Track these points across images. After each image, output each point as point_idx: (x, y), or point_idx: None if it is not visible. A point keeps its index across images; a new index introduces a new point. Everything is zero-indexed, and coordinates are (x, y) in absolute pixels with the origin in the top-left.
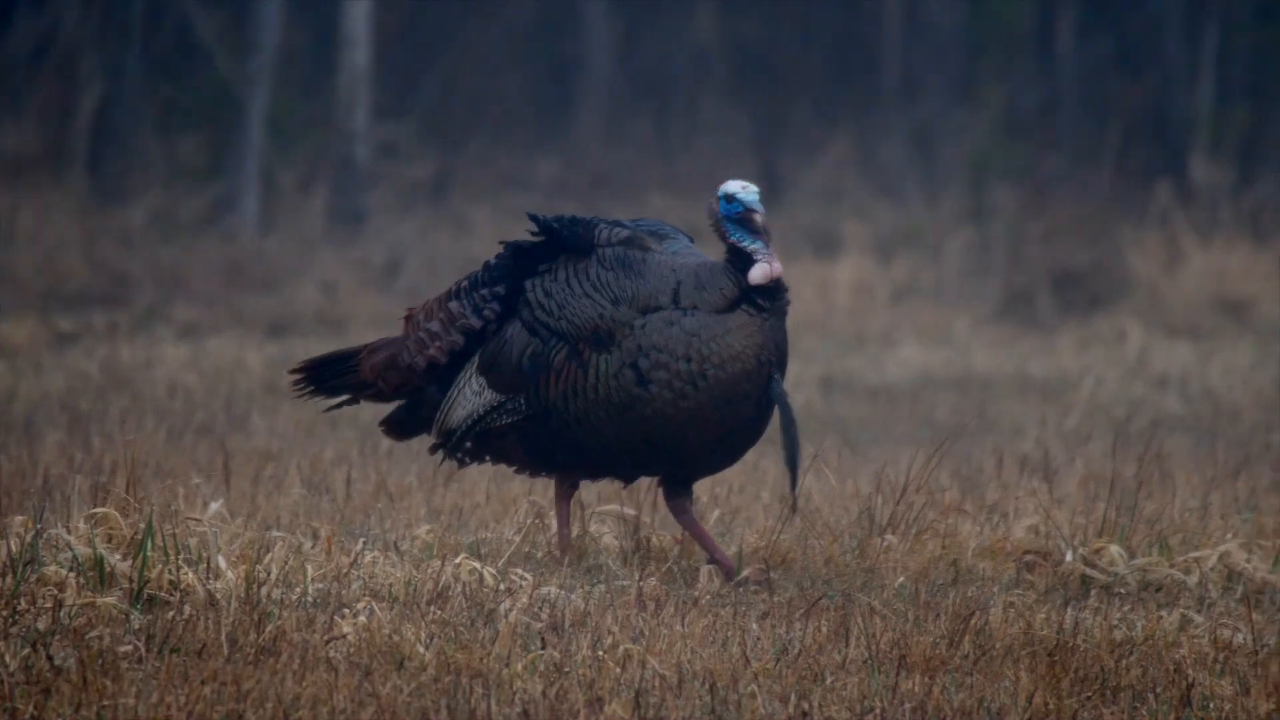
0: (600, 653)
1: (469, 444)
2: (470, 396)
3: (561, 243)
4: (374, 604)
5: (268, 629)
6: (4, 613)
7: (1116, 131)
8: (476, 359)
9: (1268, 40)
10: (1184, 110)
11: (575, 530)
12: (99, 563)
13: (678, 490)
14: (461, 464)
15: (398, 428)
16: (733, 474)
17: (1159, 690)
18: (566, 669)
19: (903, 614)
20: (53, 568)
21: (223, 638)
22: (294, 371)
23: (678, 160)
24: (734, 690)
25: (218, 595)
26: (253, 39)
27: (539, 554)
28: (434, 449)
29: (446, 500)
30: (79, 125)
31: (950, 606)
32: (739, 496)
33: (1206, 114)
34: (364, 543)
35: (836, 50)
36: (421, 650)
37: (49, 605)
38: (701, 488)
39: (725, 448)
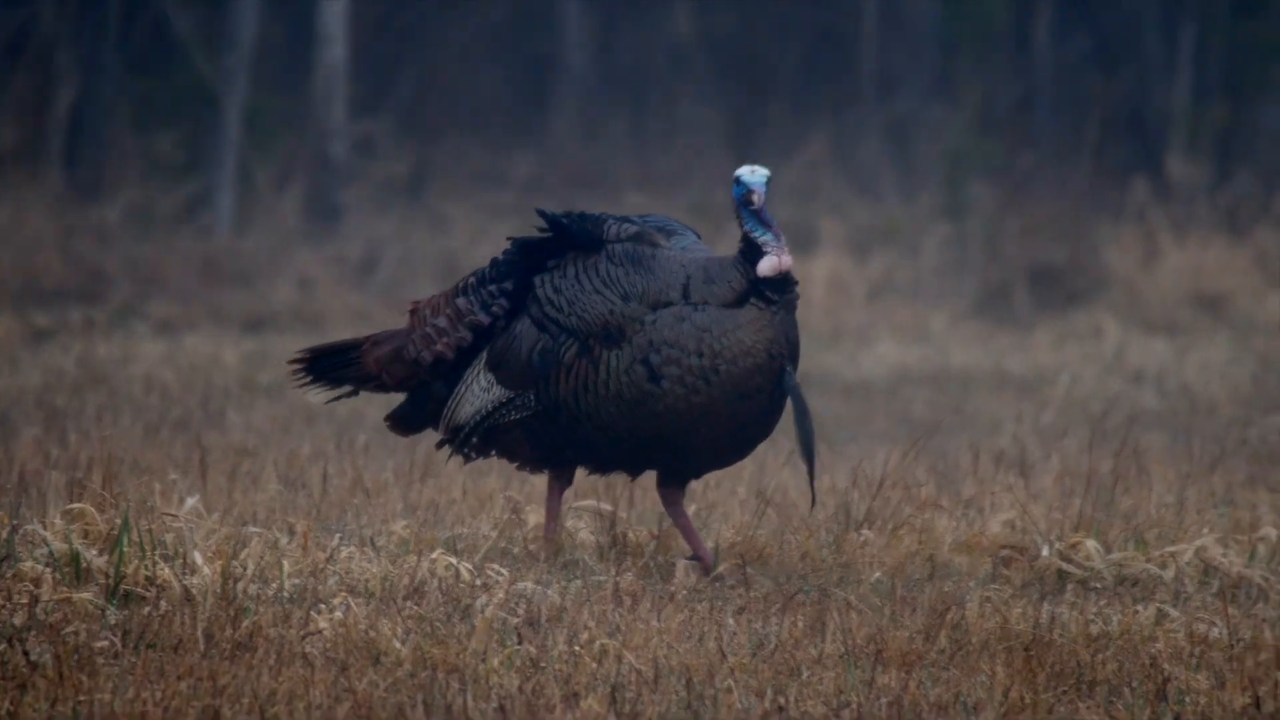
0: (576, 648)
1: (477, 440)
2: (478, 392)
3: (570, 239)
4: (350, 599)
5: (244, 624)
6: None
7: (1093, 128)
8: (484, 355)
9: (1244, 37)
10: (1161, 107)
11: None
12: (75, 558)
13: (674, 483)
14: (468, 459)
15: (403, 423)
16: None
17: (1135, 684)
18: (543, 664)
19: (879, 609)
20: (29, 563)
21: (199, 633)
22: (294, 361)
23: (654, 157)
24: (710, 685)
25: (194, 591)
26: (229, 35)
27: (515, 549)
28: (441, 444)
29: (423, 496)
30: (55, 121)
31: (926, 601)
32: (715, 492)
33: (1183, 110)
34: (340, 538)
35: (813, 47)
36: (398, 645)
37: (25, 601)
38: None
39: (737, 442)
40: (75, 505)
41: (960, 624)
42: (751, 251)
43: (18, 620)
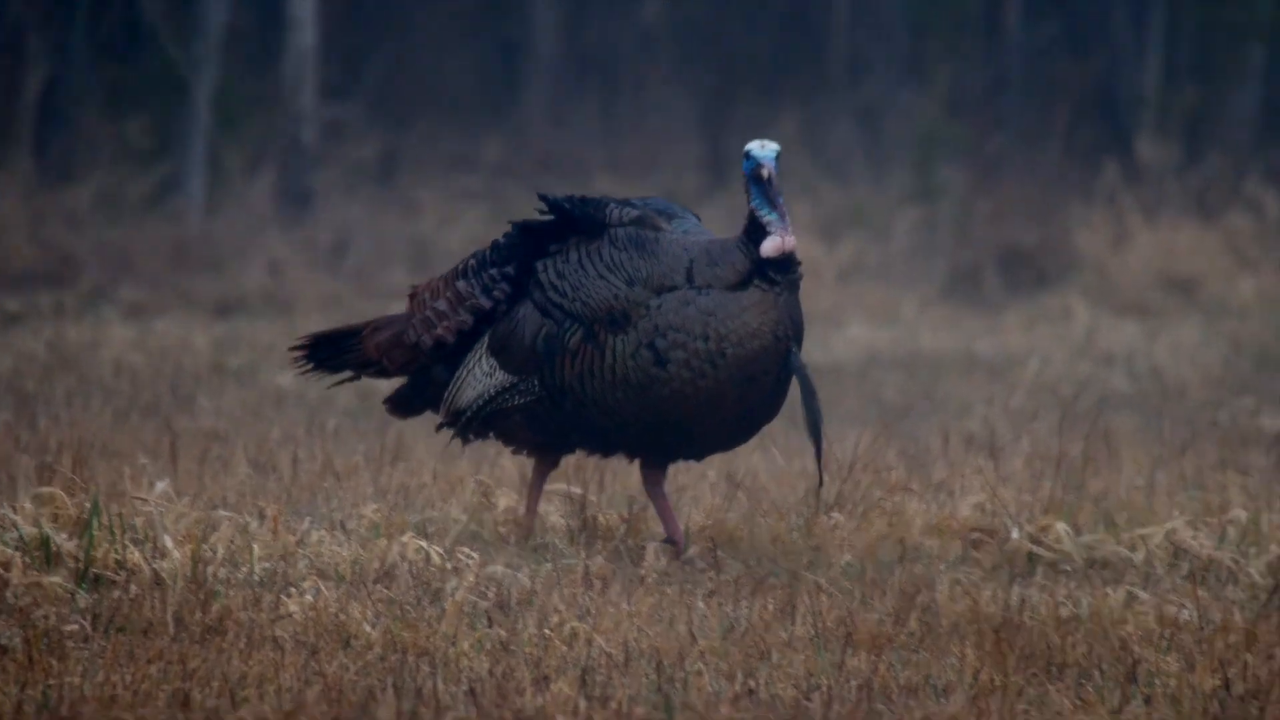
0: (547, 631)
1: (478, 424)
2: (481, 377)
3: (573, 223)
4: (320, 583)
5: (214, 608)
6: None
7: (1063, 111)
8: (486, 339)
9: (1214, 19)
10: (1131, 89)
11: (520, 509)
12: (45, 542)
13: (658, 464)
14: (467, 442)
15: (402, 406)
16: None
17: (1105, 667)
18: (513, 647)
19: (849, 592)
20: None
21: (169, 617)
22: (294, 348)
23: (624, 141)
24: (680, 668)
25: (164, 575)
26: (199, 20)
27: (485, 533)
28: (441, 428)
29: (393, 479)
30: (25, 106)
31: (896, 584)
32: (685, 475)
33: (1153, 93)
34: (310, 522)
35: (783, 31)
36: (368, 629)
37: None
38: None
39: (744, 425)
40: (45, 489)
41: (930, 607)
42: (755, 231)
43: None
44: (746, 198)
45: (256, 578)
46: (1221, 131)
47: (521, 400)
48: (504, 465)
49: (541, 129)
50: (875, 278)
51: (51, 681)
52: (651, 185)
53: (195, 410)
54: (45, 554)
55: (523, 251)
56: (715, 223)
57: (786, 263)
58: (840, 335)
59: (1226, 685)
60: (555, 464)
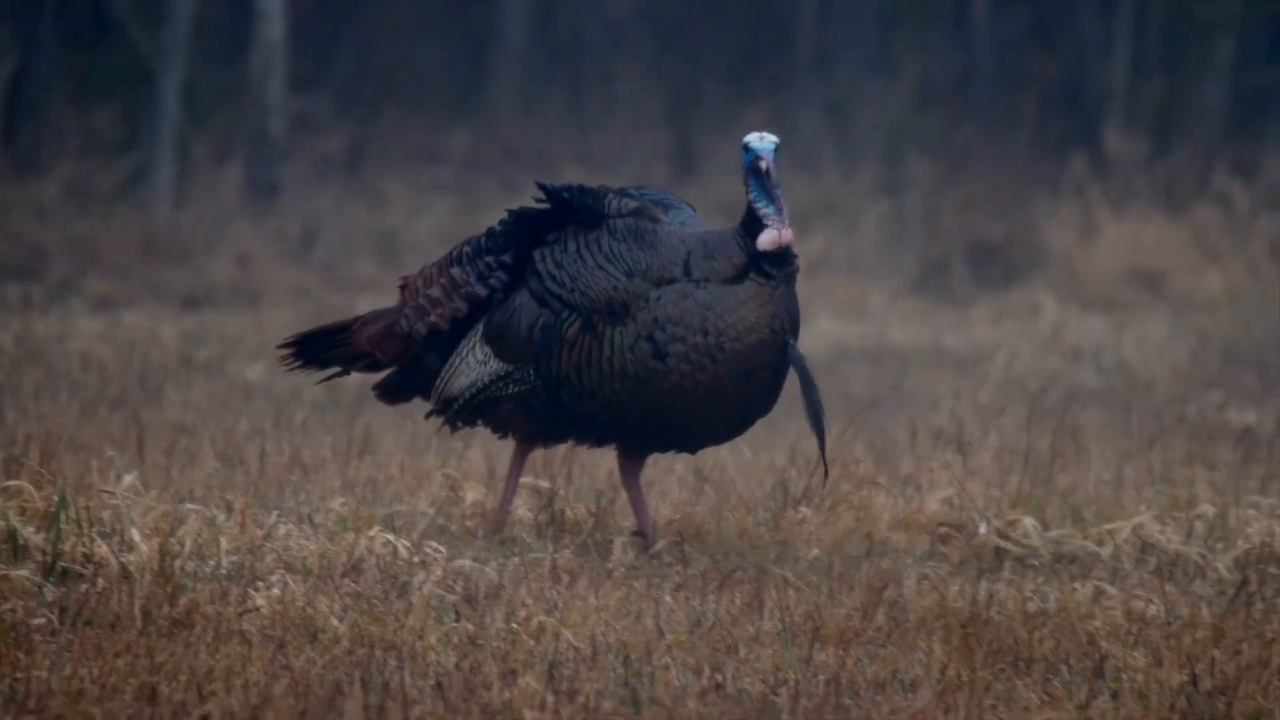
0: (514, 625)
1: (470, 411)
2: (474, 365)
3: (572, 213)
4: (288, 577)
5: (181, 602)
6: None
7: (1031, 103)
8: (481, 327)
9: (1181, 11)
10: (1098, 82)
11: (488, 502)
12: (12, 535)
13: (637, 456)
14: (455, 429)
15: (392, 392)
16: None
17: (1072, 662)
18: (480, 641)
19: (817, 586)
20: None
21: (136, 610)
22: (282, 346)
23: (592, 133)
24: (648, 662)
25: (131, 568)
26: (167, 11)
27: (453, 527)
28: (431, 415)
29: (361, 473)
30: None
31: (864, 579)
32: (653, 469)
33: (1121, 86)
34: (278, 515)
35: (752, 22)
36: (335, 623)
37: None
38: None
39: (741, 418)
40: (12, 482)
41: (898, 601)
42: (752, 223)
43: None
44: (745, 190)
45: (224, 571)
46: (1189, 124)
47: (515, 389)
48: (471, 459)
49: (510, 121)
50: (844, 271)
51: (19, 675)
52: (619, 177)
53: (163, 403)
54: (12, 547)
55: (519, 240)
56: None
57: (783, 256)
58: (808, 328)
59: (1194, 680)
60: (530, 449)
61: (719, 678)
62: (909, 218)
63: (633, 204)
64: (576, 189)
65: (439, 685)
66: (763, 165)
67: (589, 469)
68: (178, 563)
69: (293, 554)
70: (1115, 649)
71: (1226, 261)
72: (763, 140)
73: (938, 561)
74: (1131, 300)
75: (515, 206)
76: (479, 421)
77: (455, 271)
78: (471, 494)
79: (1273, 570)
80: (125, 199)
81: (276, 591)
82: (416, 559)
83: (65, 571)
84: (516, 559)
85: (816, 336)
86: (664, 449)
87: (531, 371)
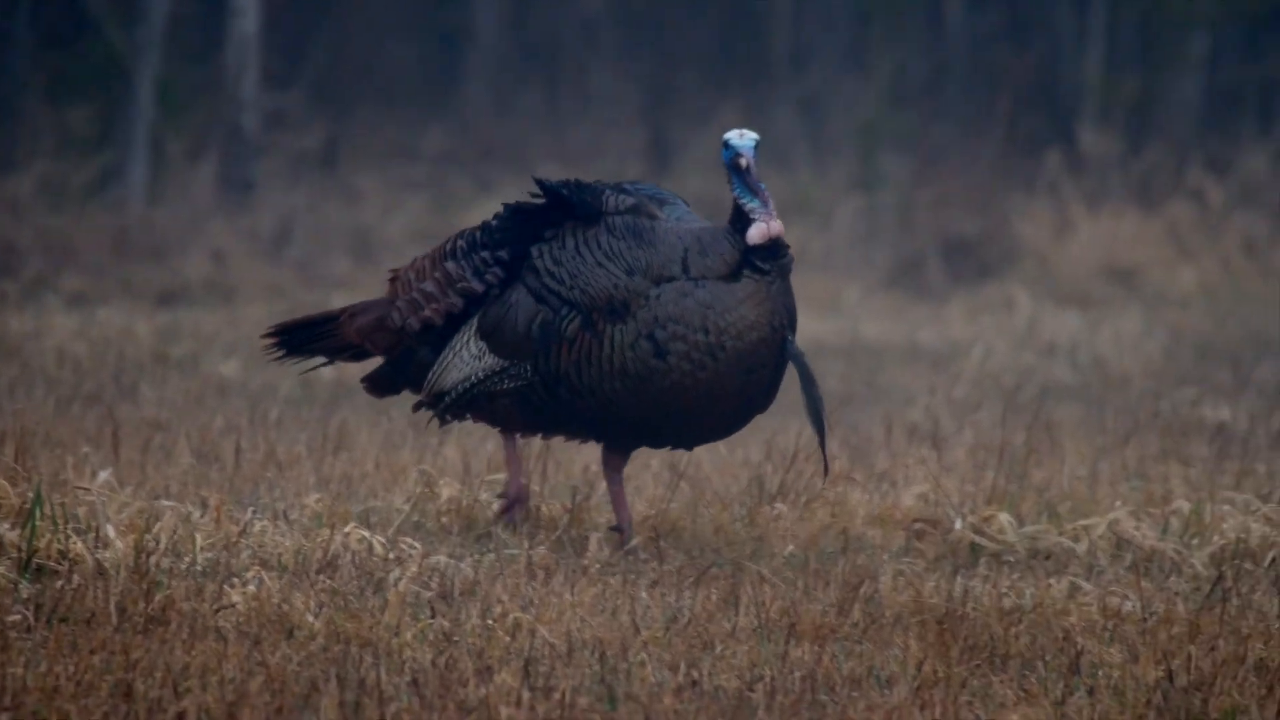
0: (490, 621)
1: (462, 405)
2: (469, 360)
3: (570, 209)
4: (263, 573)
5: (157, 598)
6: None
7: (1006, 100)
8: (475, 322)
9: (1155, 8)
10: (1073, 78)
11: (463, 499)
12: None
13: (621, 451)
14: (444, 423)
15: (382, 384)
16: None
17: (1048, 658)
18: (456, 638)
19: (792, 582)
20: None
21: (111, 607)
22: (266, 336)
23: (567, 130)
24: (623, 659)
25: (106, 565)
26: (141, 8)
27: (429, 523)
28: (419, 407)
29: (336, 469)
30: None
31: (840, 575)
32: (629, 466)
33: (1095, 82)
34: (253, 512)
35: (726, 19)
36: (311, 619)
37: None
38: (593, 456)
39: (740, 416)
40: None
41: (873, 597)
42: (740, 219)
43: None
44: (729, 188)
45: (199, 568)
46: (1163, 121)
47: (511, 384)
48: (447, 455)
49: (484, 117)
50: (818, 267)
51: None
52: (595, 173)
53: (138, 399)
54: None
55: (515, 235)
56: None
57: (775, 248)
58: None
59: (1170, 676)
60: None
61: (695, 674)
62: (883, 214)
63: (630, 200)
64: (574, 185)
65: (415, 682)
66: (743, 163)
67: (564, 465)
68: (153, 559)
69: (268, 550)
70: (1091, 645)
71: (1201, 257)
72: (743, 137)
73: (913, 557)
74: (1106, 296)
75: (489, 203)
76: (468, 415)
77: (450, 266)
78: (447, 490)
79: (1248, 566)
80: (100, 196)
81: (252, 588)
82: (392, 555)
83: (40, 568)
84: (492, 555)
85: None
86: (661, 445)
87: (528, 367)
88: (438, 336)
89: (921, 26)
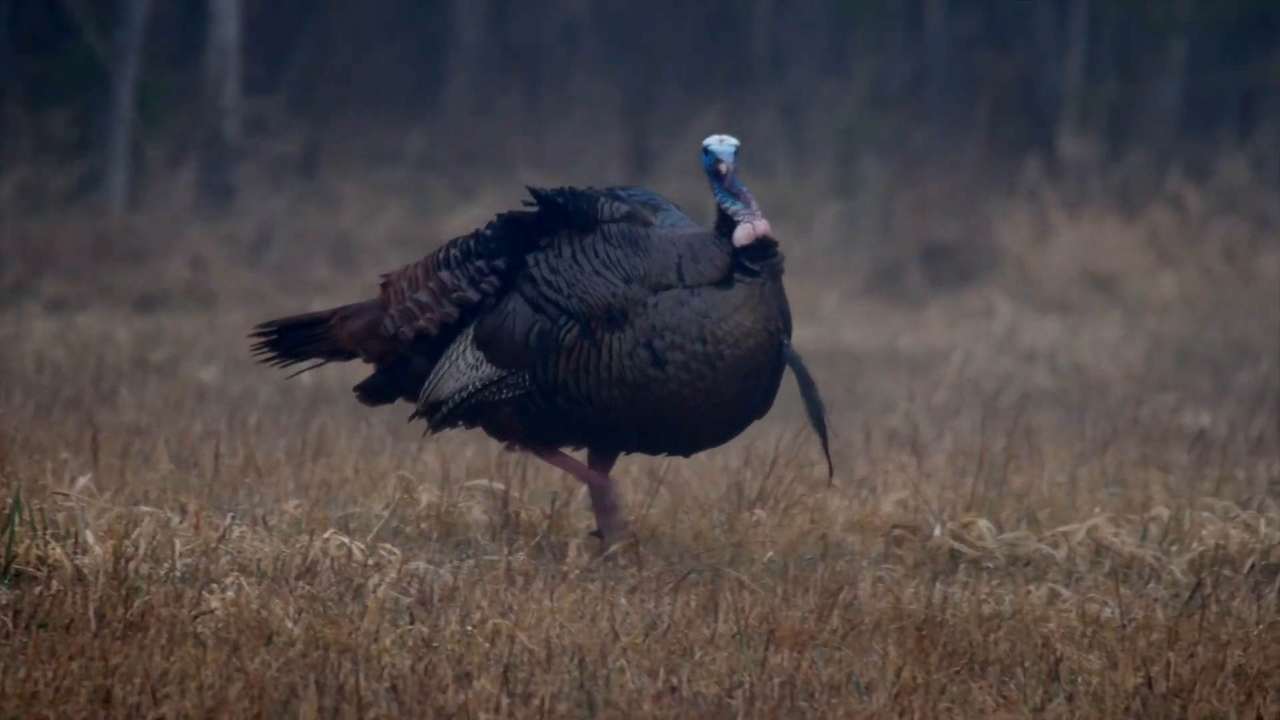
0: (469, 627)
1: (461, 414)
2: (465, 369)
3: (566, 218)
4: (242, 579)
5: (135, 604)
6: None
7: (986, 105)
8: (472, 331)
9: (1135, 14)
10: (1052, 84)
11: (443, 505)
12: None
13: (609, 456)
14: (436, 429)
15: (375, 393)
16: None
17: (1027, 664)
18: (435, 644)
19: (771, 589)
20: None
21: (90, 613)
22: (254, 335)
23: (548, 134)
24: (603, 665)
25: (85, 570)
26: (122, 13)
27: (408, 529)
28: (415, 417)
29: (315, 475)
30: None
31: (819, 581)
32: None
33: (1075, 88)
34: (232, 517)
35: (706, 23)
36: (290, 625)
37: None
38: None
39: (738, 421)
40: None
41: (853, 604)
42: (725, 224)
43: None
44: (711, 193)
45: (178, 574)
46: (1143, 126)
47: (509, 394)
48: (426, 461)
49: (465, 122)
50: (797, 272)
51: None
52: (575, 178)
53: (117, 405)
54: None
55: (509, 244)
56: None
57: (763, 247)
58: None
59: (1149, 683)
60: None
61: (674, 680)
62: (863, 219)
63: (624, 208)
64: (569, 193)
65: (394, 688)
66: (723, 168)
67: (543, 471)
68: (132, 565)
69: (247, 556)
70: (1070, 651)
71: (1180, 264)
72: (723, 143)
73: (892, 564)
74: (1085, 302)
75: (470, 208)
76: (460, 423)
77: (444, 275)
78: (426, 496)
79: (1227, 573)
80: (79, 201)
81: (231, 594)
82: (371, 561)
83: (19, 574)
84: (471, 561)
85: None
86: (658, 452)
87: (526, 376)
88: (432, 346)
89: (901, 31)
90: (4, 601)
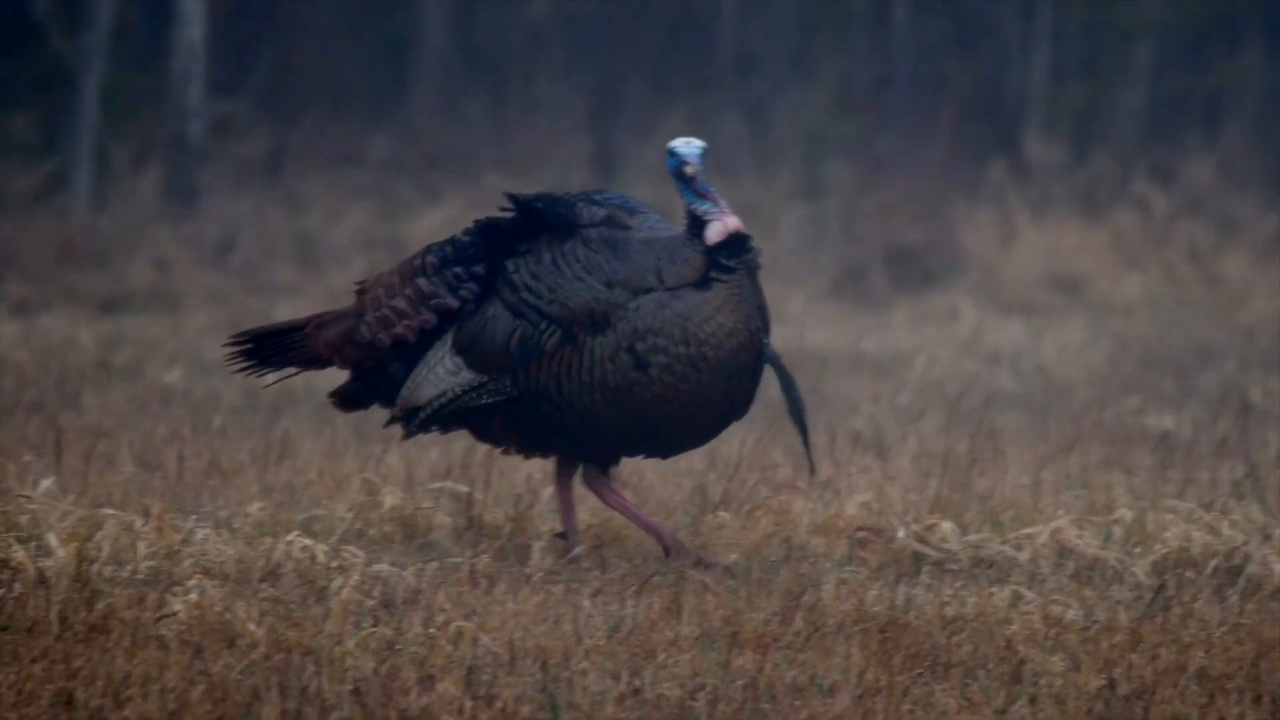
0: (432, 630)
1: (438, 421)
2: (444, 375)
3: (546, 223)
4: (205, 582)
5: (99, 607)
6: None
7: (951, 108)
8: (450, 338)
9: (1101, 17)
10: (1018, 87)
11: (407, 508)
12: None
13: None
14: (411, 434)
15: (350, 400)
16: None
17: (990, 666)
18: (398, 646)
19: (735, 591)
20: None
21: (53, 615)
22: (228, 345)
23: (513, 138)
24: (566, 667)
25: (48, 573)
26: (86, 14)
27: (371, 531)
28: (391, 423)
29: (279, 477)
30: None
31: (782, 583)
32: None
33: (1040, 91)
34: (196, 520)
35: (672, 27)
36: (253, 628)
37: None
38: (534, 465)
39: (721, 422)
40: None
41: (816, 606)
42: (696, 225)
43: None
44: (679, 196)
45: (141, 576)
46: (1109, 130)
47: (489, 399)
48: (390, 463)
49: (430, 125)
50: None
51: None
52: (541, 181)
53: (81, 407)
54: None
55: (487, 250)
56: None
57: (737, 243)
58: None
59: (1111, 685)
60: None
61: (637, 683)
62: (828, 222)
63: (601, 212)
64: (548, 198)
65: (357, 690)
66: (689, 170)
67: (507, 473)
68: (95, 568)
69: (210, 559)
70: (1033, 654)
71: (1145, 266)
72: (688, 145)
73: (856, 566)
74: (1050, 305)
75: (435, 211)
76: (434, 428)
77: (422, 283)
78: (390, 499)
79: (1190, 575)
80: (44, 202)
81: (194, 597)
82: (334, 564)
83: None
84: (435, 563)
85: None
86: (637, 454)
87: (507, 382)
88: (409, 352)
89: (867, 34)
90: None
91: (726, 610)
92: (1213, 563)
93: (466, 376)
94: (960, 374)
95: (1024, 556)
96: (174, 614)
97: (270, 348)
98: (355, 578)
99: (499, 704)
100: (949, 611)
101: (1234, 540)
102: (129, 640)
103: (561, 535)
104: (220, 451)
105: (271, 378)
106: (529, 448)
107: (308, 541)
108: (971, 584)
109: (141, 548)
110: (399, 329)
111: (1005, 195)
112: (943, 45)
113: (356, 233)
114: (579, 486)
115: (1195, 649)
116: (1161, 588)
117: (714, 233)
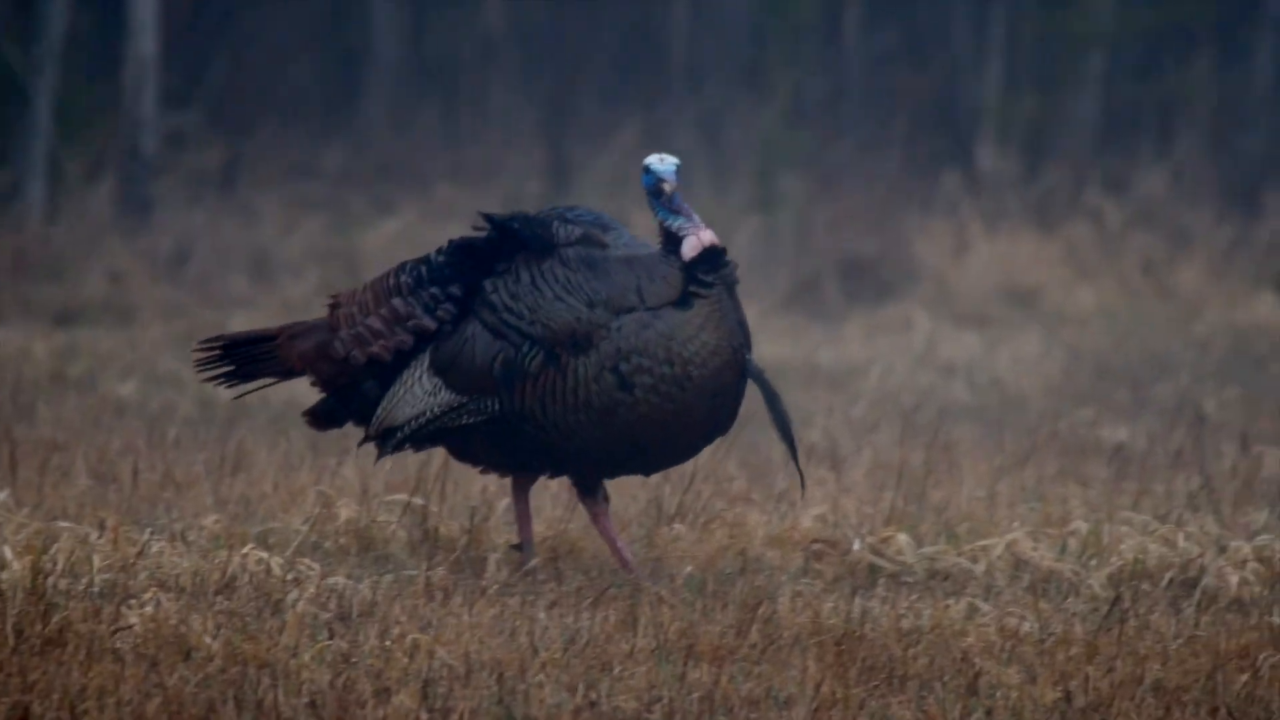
0: (388, 643)
1: (416, 441)
2: (422, 395)
3: (523, 242)
4: (161, 594)
5: (54, 620)
6: None
7: (904, 120)
8: (427, 358)
9: (1054, 28)
10: (971, 99)
11: (361, 519)
12: None
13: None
14: (384, 454)
15: (325, 419)
16: None
17: (946, 679)
18: (354, 659)
19: (691, 603)
20: None
21: (8, 629)
22: (198, 351)
23: (466, 149)
24: (522, 680)
25: (3, 586)
26: (39, 25)
27: (327, 544)
28: (366, 442)
29: (234, 490)
30: None
31: (738, 596)
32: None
33: (993, 102)
34: (151, 533)
35: (624, 38)
36: (208, 641)
37: None
38: (490, 477)
39: (706, 439)
40: None
41: (772, 618)
42: (671, 241)
43: None
44: (653, 213)
45: (97, 589)
46: (1061, 141)
47: (470, 420)
48: (345, 475)
49: (382, 136)
50: None
51: None
52: (494, 191)
53: (35, 419)
54: None
55: (465, 270)
56: None
57: (712, 257)
58: None
59: (1068, 697)
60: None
61: (593, 695)
62: (781, 234)
63: (577, 230)
64: (523, 218)
65: (313, 703)
66: (666, 188)
67: (462, 485)
68: (50, 581)
69: (166, 572)
70: (989, 666)
71: (1098, 277)
72: (664, 162)
73: (812, 578)
74: (1004, 316)
75: (388, 223)
76: (408, 447)
77: (397, 303)
78: (345, 511)
79: (1145, 587)
80: None
81: (150, 609)
82: (290, 576)
83: None
84: (390, 576)
85: None
86: (618, 474)
87: (489, 403)
88: (385, 370)
89: (819, 46)
90: None
91: (682, 623)
92: (1168, 575)
93: (446, 397)
94: (915, 386)
95: (979, 569)
96: (130, 627)
97: (241, 357)
98: (311, 590)
99: (455, 716)
100: (905, 624)
101: (1189, 552)
102: (85, 653)
103: (517, 547)
104: (175, 464)
105: (241, 389)
106: (510, 467)
107: (263, 554)
108: (927, 596)
109: (97, 561)
110: (374, 348)
111: (959, 206)
112: (895, 56)
113: (310, 245)
114: (533, 500)
115: (1151, 661)
116: (1117, 600)
117: (689, 247)
